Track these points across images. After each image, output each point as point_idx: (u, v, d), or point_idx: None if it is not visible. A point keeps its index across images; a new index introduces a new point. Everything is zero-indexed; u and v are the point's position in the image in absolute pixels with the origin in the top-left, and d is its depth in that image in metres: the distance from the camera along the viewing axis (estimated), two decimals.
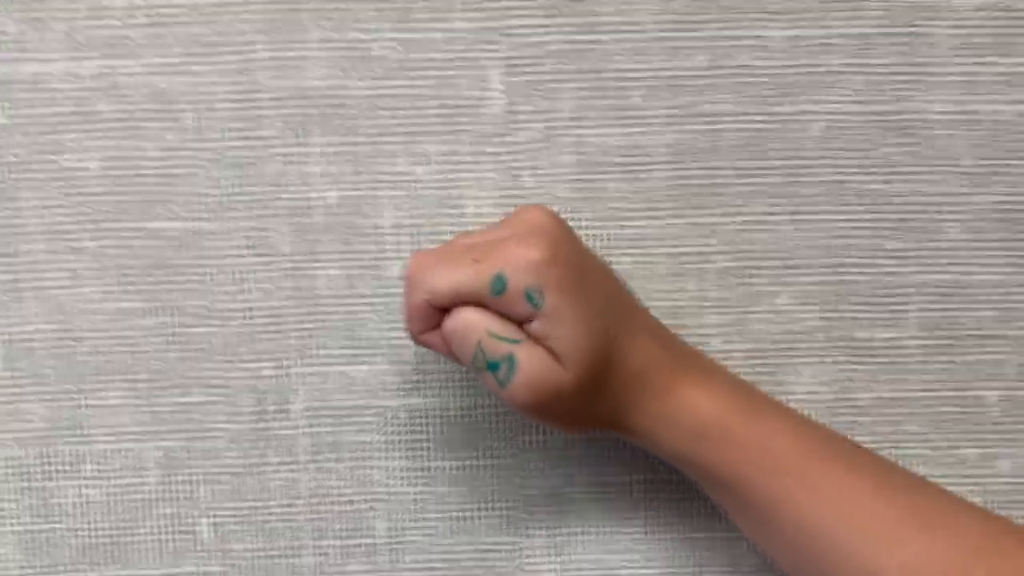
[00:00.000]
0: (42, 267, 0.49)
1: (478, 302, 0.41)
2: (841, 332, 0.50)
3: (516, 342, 0.40)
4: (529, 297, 0.40)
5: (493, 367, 0.41)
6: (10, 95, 0.48)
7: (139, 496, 0.50)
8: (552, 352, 0.40)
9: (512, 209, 0.48)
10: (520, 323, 0.41)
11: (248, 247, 0.49)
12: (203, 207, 0.49)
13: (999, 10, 0.48)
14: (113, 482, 0.50)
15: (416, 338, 0.43)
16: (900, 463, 0.50)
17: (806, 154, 0.49)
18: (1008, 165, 0.49)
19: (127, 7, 0.47)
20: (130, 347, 0.49)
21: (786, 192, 0.49)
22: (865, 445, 0.50)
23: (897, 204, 0.49)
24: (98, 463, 0.50)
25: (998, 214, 0.49)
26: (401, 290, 0.47)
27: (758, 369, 0.50)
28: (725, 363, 0.49)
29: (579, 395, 0.41)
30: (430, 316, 0.41)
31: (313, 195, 0.49)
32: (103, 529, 0.50)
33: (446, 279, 0.40)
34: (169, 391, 0.50)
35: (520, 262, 0.40)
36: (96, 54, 0.48)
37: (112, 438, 0.50)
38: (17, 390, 0.49)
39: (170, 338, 0.49)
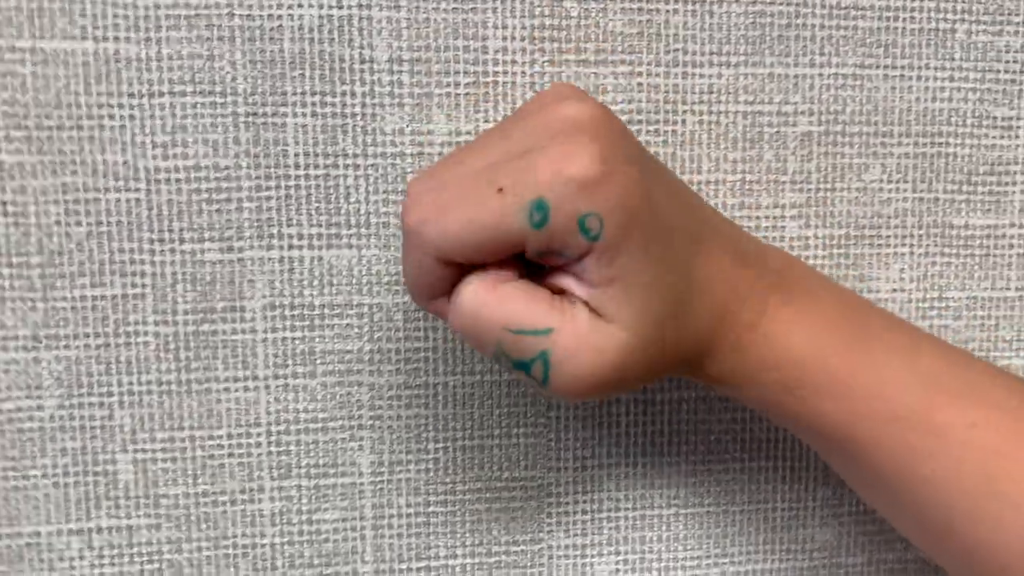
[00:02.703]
0: None
1: (511, 250, 0.29)
2: (936, 217, 0.41)
3: (547, 331, 0.29)
4: (583, 227, 0.28)
5: (523, 366, 0.30)
6: None
7: (31, 425, 0.36)
8: (602, 307, 0.29)
9: (546, 63, 0.37)
10: (561, 265, 0.30)
11: (188, 81, 0.35)
12: (124, 22, 0.35)
13: None
14: None
15: (425, 307, 0.31)
16: None
17: None
18: None
19: None
20: (16, 218, 0.35)
21: (882, 40, 0.39)
22: None
23: (1008, 63, 0.40)
24: None
25: None
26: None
27: (839, 260, 0.40)
28: (803, 252, 0.40)
29: (639, 360, 0.30)
30: (442, 278, 0.30)
31: (280, 12, 0.36)
32: None
33: (463, 226, 0.29)
34: (73, 280, 0.36)
35: (566, 179, 0.28)
36: None
37: None
38: None
39: (75, 206, 0.35)
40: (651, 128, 0.38)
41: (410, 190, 0.30)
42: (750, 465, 0.41)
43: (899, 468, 0.33)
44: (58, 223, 0.35)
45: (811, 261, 0.40)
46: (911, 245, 0.41)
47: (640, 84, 0.38)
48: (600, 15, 0.37)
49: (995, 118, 0.41)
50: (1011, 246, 0.41)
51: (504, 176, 0.29)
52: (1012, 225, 0.41)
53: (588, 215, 0.28)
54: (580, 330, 0.29)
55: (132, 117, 0.35)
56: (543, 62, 0.37)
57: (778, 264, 0.34)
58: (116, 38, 0.35)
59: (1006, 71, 0.40)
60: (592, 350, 0.29)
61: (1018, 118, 0.41)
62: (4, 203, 0.35)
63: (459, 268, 0.30)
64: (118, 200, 0.36)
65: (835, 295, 0.34)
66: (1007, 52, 0.40)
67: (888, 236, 0.41)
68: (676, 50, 0.38)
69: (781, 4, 0.38)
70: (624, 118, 0.38)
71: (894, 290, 0.41)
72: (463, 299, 0.30)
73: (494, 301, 0.29)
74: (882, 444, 0.32)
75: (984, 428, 0.32)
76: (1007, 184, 0.41)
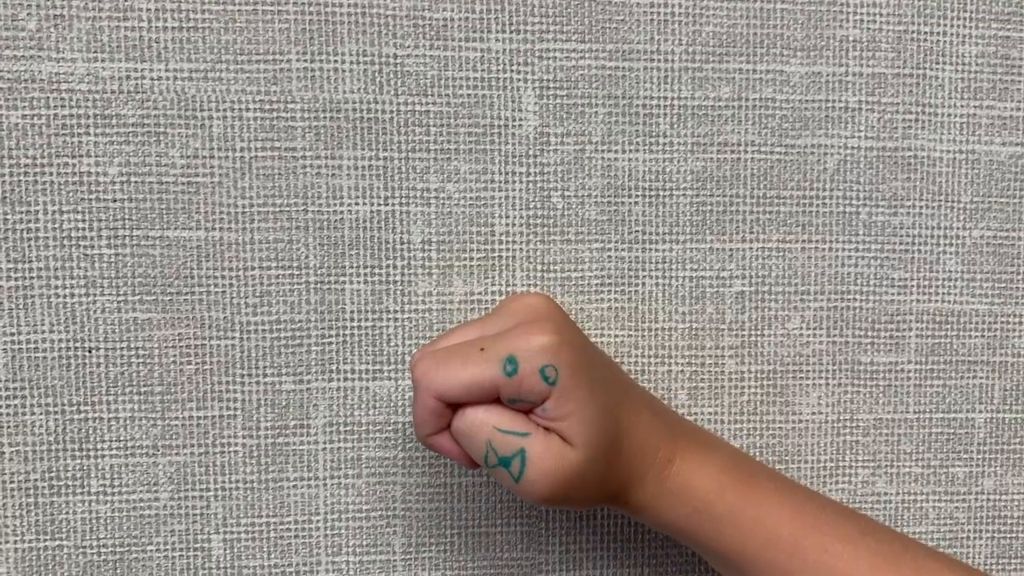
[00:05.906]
0: (54, 274, 0.47)
1: (490, 395, 0.40)
2: (846, 356, 0.52)
3: (526, 435, 0.41)
4: (544, 375, 0.40)
5: (505, 463, 0.41)
6: (26, 95, 0.46)
7: (149, 512, 0.49)
8: (563, 434, 0.41)
9: (539, 242, 0.49)
10: (529, 411, 0.41)
11: (273, 259, 0.48)
12: (227, 217, 0.48)
13: (997, 57, 0.51)
14: (122, 498, 0.48)
15: (425, 441, 0.42)
16: (895, 482, 0.53)
17: (820, 186, 0.51)
18: (1000, 202, 0.52)
19: (155, 8, 0.46)
20: (144, 358, 0.48)
21: (800, 221, 0.51)
22: (864, 464, 0.52)
23: (901, 236, 0.52)
24: (107, 478, 0.48)
25: (991, 247, 0.52)
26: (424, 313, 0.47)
27: (768, 390, 0.52)
28: (739, 384, 0.51)
29: (591, 473, 0.41)
30: (440, 416, 0.41)
31: (342, 208, 0.48)
32: (109, 546, 0.48)
33: (455, 374, 0.40)
34: (184, 404, 0.48)
35: (531, 345, 0.40)
36: (120, 56, 0.46)
37: (122, 452, 0.48)
38: (23, 401, 0.47)
39: (187, 350, 0.48)
40: (619, 289, 0.50)
41: (417, 356, 0.42)
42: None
43: None
44: (174, 362, 0.48)
45: (746, 392, 0.51)
46: (827, 378, 0.52)
47: (610, 256, 0.50)
48: (579, 206, 0.50)
49: (892, 279, 0.52)
50: (908, 378, 0.52)
51: (487, 342, 0.41)
52: (909, 362, 0.52)
53: (547, 366, 0.40)
54: (548, 442, 0.41)
55: (231, 285, 0.48)
56: (536, 241, 0.49)
57: (681, 421, 0.46)
58: (221, 228, 0.48)
59: (900, 243, 0.52)
60: (555, 460, 0.41)
61: (911, 279, 0.52)
62: (136, 348, 0.48)
63: (453, 410, 0.41)
64: (218, 346, 0.48)
65: (726, 447, 0.46)
66: (901, 228, 0.52)
67: (808, 371, 0.52)
68: (637, 231, 0.50)
69: (718, 195, 0.50)
70: (597, 282, 0.50)
71: (813, 414, 0.52)
72: (464, 412, 0.41)
73: (488, 412, 0.41)
74: (762, 563, 0.43)
75: (833, 554, 0.43)
76: (904, 330, 0.52)
